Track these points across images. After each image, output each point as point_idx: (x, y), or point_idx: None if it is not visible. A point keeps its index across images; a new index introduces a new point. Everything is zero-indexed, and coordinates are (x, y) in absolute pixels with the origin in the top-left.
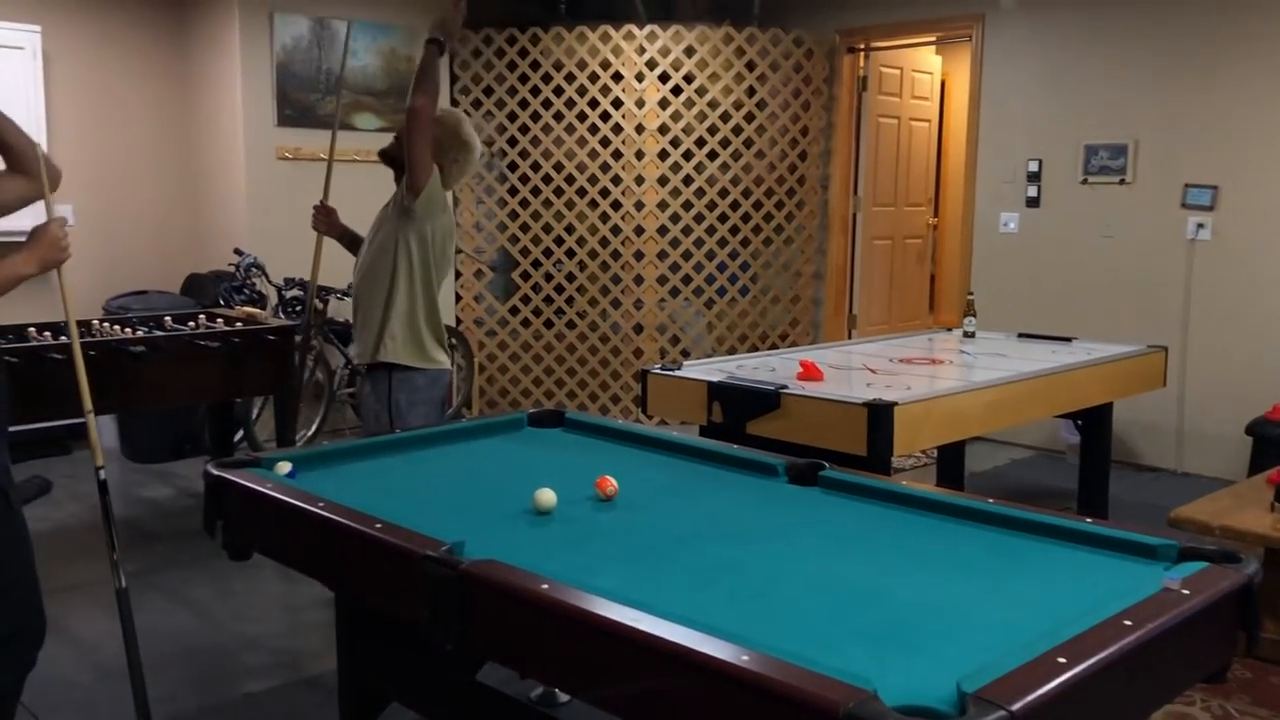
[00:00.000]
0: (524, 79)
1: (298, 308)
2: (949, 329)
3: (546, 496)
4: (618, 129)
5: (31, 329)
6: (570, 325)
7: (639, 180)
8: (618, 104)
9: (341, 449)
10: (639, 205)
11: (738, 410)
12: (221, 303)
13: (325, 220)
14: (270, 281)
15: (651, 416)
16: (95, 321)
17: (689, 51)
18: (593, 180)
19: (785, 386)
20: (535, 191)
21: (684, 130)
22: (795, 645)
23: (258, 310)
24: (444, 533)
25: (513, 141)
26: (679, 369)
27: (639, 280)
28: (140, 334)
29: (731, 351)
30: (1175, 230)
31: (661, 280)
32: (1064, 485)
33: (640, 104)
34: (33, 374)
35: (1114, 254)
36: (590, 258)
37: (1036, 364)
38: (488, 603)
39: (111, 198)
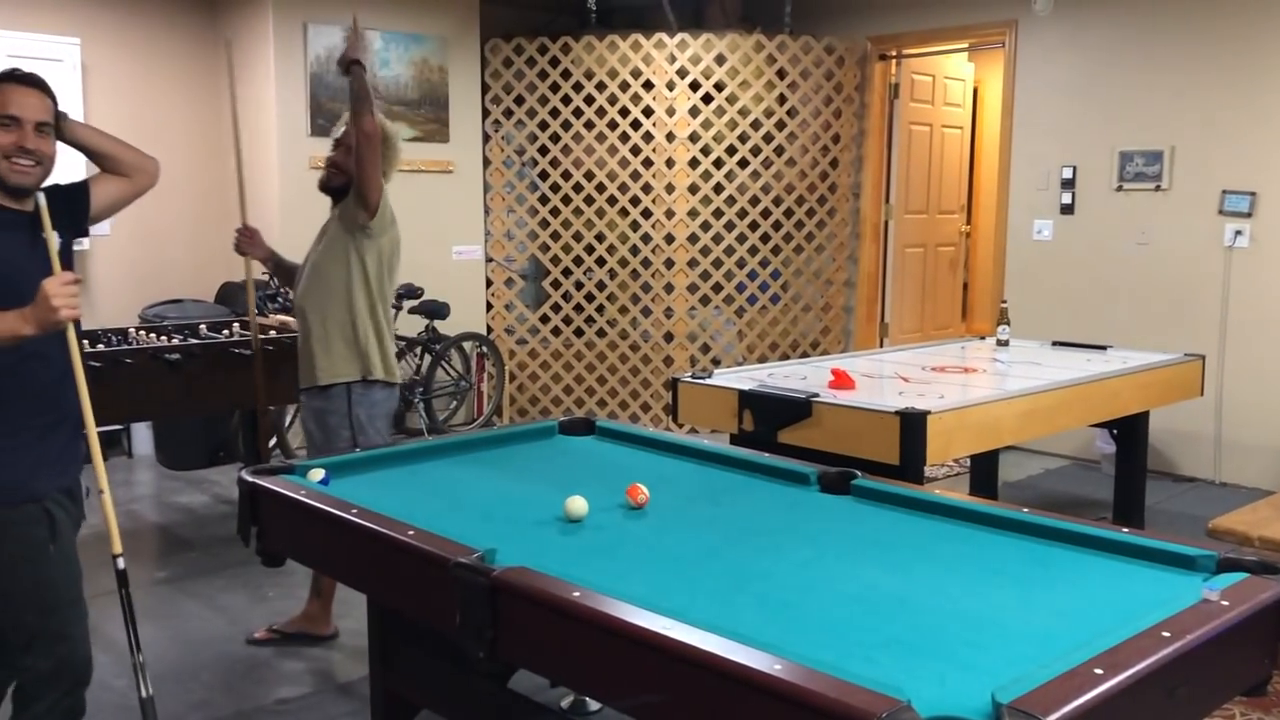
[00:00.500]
0: (555, 88)
1: None
2: (982, 337)
3: (578, 504)
4: (648, 137)
5: None
6: (600, 333)
7: (669, 188)
8: (648, 112)
9: (374, 456)
10: (669, 213)
11: (769, 418)
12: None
13: (248, 241)
14: None
15: (682, 425)
16: (132, 329)
17: (720, 59)
18: (623, 188)
19: (817, 395)
20: (566, 200)
21: (715, 138)
22: (827, 654)
23: (291, 318)
24: (476, 540)
25: (543, 150)
26: (710, 377)
27: (669, 288)
28: (176, 342)
29: (762, 360)
30: (1213, 237)
31: (692, 288)
32: (1099, 495)
33: (671, 112)
34: None
35: (1150, 261)
36: (620, 266)
37: (1071, 372)
38: (519, 610)
39: (148, 207)
